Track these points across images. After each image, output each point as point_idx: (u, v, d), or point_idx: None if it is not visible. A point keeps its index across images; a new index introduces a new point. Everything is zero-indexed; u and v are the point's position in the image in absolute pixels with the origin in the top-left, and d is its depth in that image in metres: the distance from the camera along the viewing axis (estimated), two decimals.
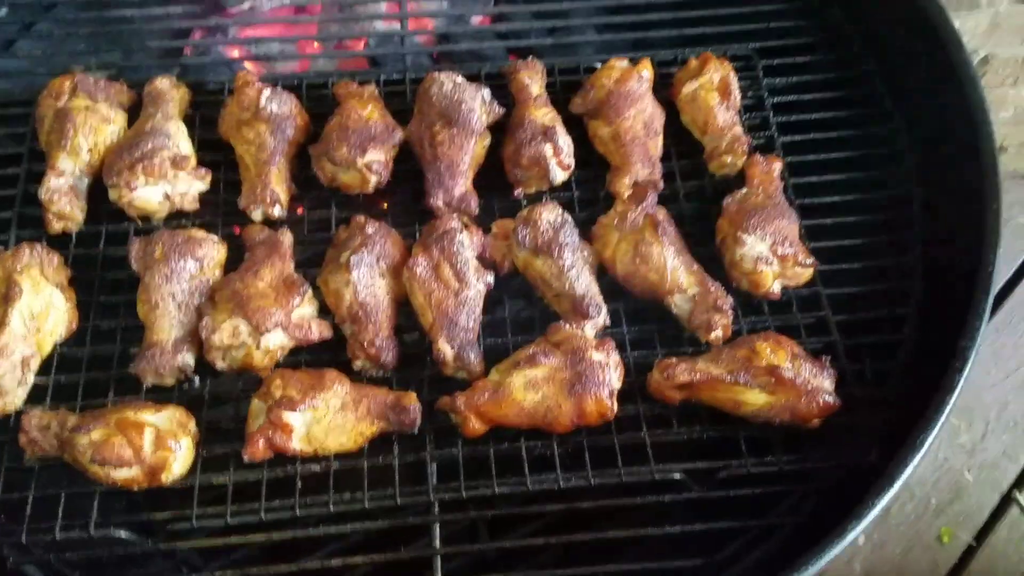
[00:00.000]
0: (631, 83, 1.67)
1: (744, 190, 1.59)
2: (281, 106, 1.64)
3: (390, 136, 1.64)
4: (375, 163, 1.60)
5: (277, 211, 1.60)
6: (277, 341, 1.44)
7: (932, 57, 1.71)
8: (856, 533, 1.25)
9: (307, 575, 1.39)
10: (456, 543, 1.46)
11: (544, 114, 1.66)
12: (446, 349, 1.44)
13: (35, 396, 1.45)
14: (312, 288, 1.50)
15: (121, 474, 1.33)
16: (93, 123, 1.63)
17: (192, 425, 1.40)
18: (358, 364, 1.47)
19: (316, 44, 2.03)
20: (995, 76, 2.92)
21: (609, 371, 1.38)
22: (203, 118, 1.74)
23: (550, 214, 1.52)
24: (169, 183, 1.59)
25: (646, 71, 1.71)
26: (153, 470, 1.34)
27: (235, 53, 1.96)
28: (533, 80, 1.72)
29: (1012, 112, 3.11)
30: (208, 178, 1.63)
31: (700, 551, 1.42)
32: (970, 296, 1.43)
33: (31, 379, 1.44)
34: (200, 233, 1.54)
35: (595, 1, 2.00)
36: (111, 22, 1.91)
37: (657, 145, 1.68)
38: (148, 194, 1.58)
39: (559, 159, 1.62)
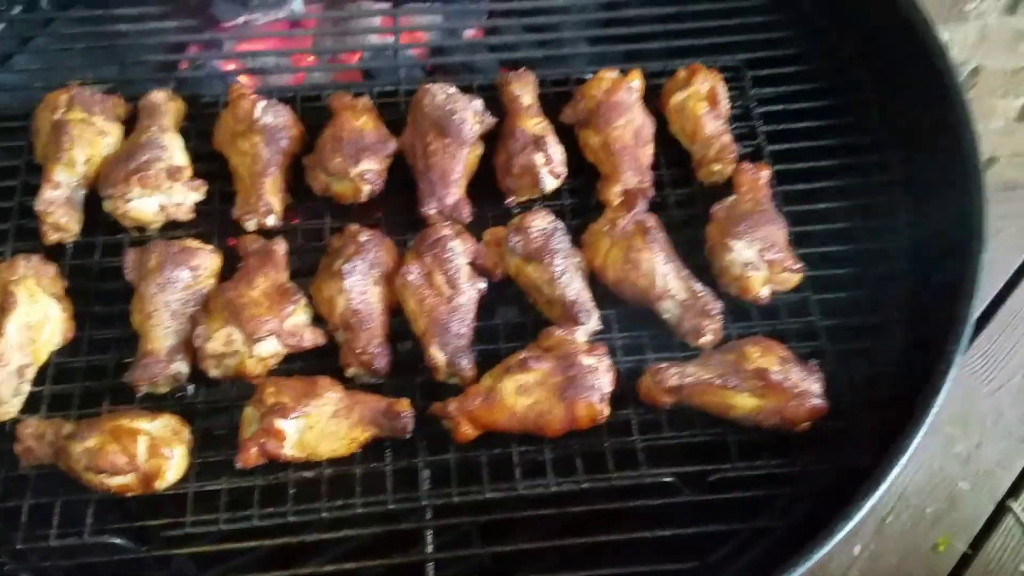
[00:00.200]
0: (621, 93, 1.69)
1: (733, 197, 1.61)
2: (275, 117, 1.66)
3: (383, 146, 1.66)
4: (368, 173, 1.62)
5: (271, 221, 1.62)
6: (270, 349, 1.45)
7: (918, 67, 1.73)
8: (844, 533, 1.26)
9: None
10: (449, 549, 1.47)
11: (535, 124, 1.68)
12: (438, 355, 1.45)
13: (31, 405, 1.46)
14: (306, 296, 1.51)
15: (115, 481, 1.34)
16: (89, 135, 1.64)
17: (186, 433, 1.41)
18: (351, 371, 1.48)
19: (311, 57, 2.05)
20: (985, 87, 2.95)
21: (600, 375, 1.40)
22: (198, 131, 1.76)
23: (541, 221, 1.54)
24: (164, 194, 1.60)
25: (636, 81, 1.74)
26: (147, 477, 1.35)
27: (230, 67, 1.98)
28: (524, 91, 1.74)
29: (1003, 123, 3.14)
30: (203, 189, 1.64)
31: (692, 554, 1.43)
32: (956, 300, 1.44)
33: (27, 388, 1.45)
34: (194, 243, 1.55)
35: (586, 14, 2.03)
36: (107, 37, 1.92)
37: (647, 154, 1.70)
38: (143, 205, 1.59)
39: (550, 168, 1.64)
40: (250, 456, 1.36)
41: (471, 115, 1.66)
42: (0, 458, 1.42)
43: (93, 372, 1.51)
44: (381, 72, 1.96)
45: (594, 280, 1.56)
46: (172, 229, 1.65)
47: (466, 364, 1.45)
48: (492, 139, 1.71)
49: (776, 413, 1.41)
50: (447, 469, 1.43)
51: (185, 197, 1.63)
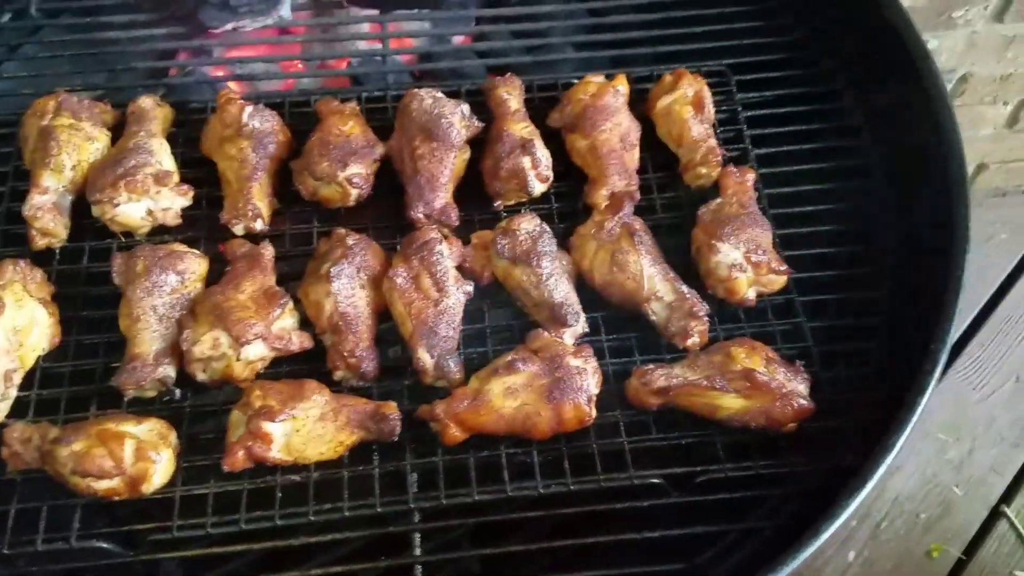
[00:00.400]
0: (607, 97, 1.70)
1: (718, 200, 1.62)
2: (263, 122, 1.67)
3: (371, 150, 1.66)
4: (356, 177, 1.63)
5: (259, 225, 1.62)
6: (257, 352, 1.45)
7: (900, 70, 1.75)
8: (831, 532, 1.26)
9: None
10: (438, 552, 1.47)
11: (522, 128, 1.69)
12: (426, 358, 1.45)
13: (18, 410, 1.46)
14: (293, 300, 1.51)
15: (102, 485, 1.33)
16: (77, 141, 1.65)
17: (173, 437, 1.41)
18: (339, 375, 1.48)
19: (299, 64, 2.06)
20: (974, 95, 2.97)
21: (587, 376, 1.40)
22: (186, 137, 1.77)
23: (528, 224, 1.54)
24: (152, 199, 1.60)
25: (622, 86, 1.75)
26: (134, 481, 1.34)
27: (219, 73, 1.99)
28: (511, 95, 1.75)
29: (992, 130, 3.16)
30: (191, 194, 1.65)
31: (680, 555, 1.43)
32: (941, 299, 1.45)
33: (13, 393, 1.45)
34: (182, 247, 1.55)
35: (573, 20, 2.04)
36: (96, 44, 1.93)
37: (633, 158, 1.71)
38: (131, 210, 1.60)
39: (537, 171, 1.65)
40: (237, 459, 1.36)
41: (458, 119, 1.67)
42: None
43: (80, 377, 1.51)
44: (369, 78, 1.97)
45: (581, 283, 1.57)
46: (160, 234, 1.65)
47: (453, 367, 1.46)
48: (479, 144, 1.72)
49: (763, 414, 1.41)
50: (435, 472, 1.43)
51: (173, 202, 1.63)
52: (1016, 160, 3.31)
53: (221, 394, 1.49)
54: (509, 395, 1.39)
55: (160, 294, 1.49)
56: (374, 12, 2.01)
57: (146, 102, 1.73)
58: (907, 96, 1.73)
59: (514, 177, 1.64)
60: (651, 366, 1.45)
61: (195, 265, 1.54)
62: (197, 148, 1.73)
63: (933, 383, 1.38)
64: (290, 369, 1.51)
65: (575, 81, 1.79)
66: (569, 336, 1.48)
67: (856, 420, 1.47)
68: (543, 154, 1.67)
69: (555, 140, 1.74)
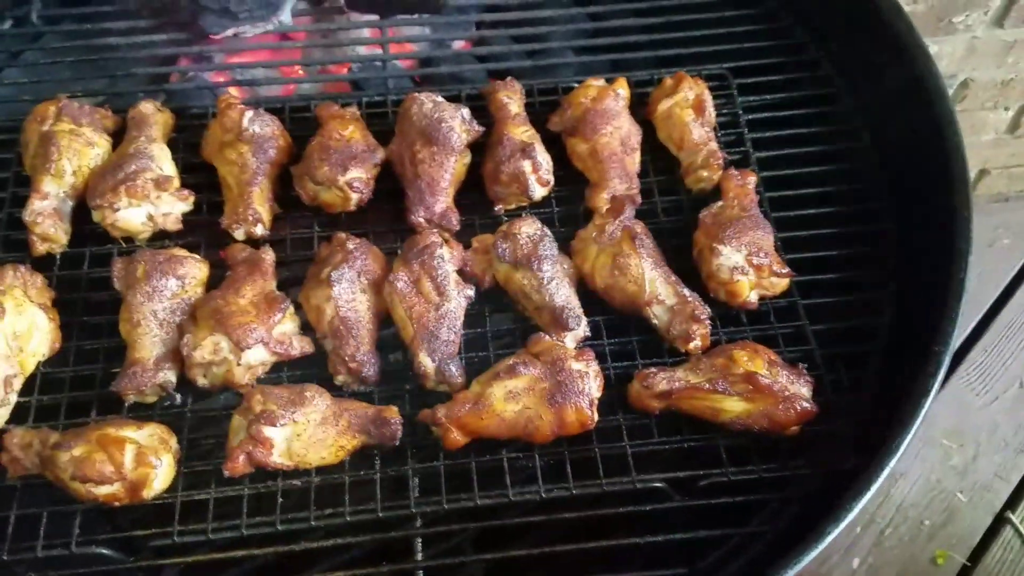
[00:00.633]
0: (607, 101, 1.70)
1: (720, 203, 1.62)
2: (263, 127, 1.67)
3: (371, 155, 1.66)
4: (356, 181, 1.62)
5: (259, 230, 1.62)
6: (258, 357, 1.44)
7: (899, 73, 1.75)
8: (834, 536, 1.26)
9: None
10: (440, 557, 1.46)
11: (523, 132, 1.69)
12: (427, 362, 1.45)
13: (18, 416, 1.45)
14: (294, 305, 1.51)
15: (102, 491, 1.33)
16: (77, 146, 1.65)
17: (173, 442, 1.40)
18: (340, 379, 1.47)
19: (300, 70, 2.06)
20: (975, 100, 2.97)
21: (589, 380, 1.39)
22: (187, 143, 1.77)
23: (529, 228, 1.54)
24: (152, 204, 1.60)
25: (622, 89, 1.75)
26: (134, 486, 1.34)
27: (219, 79, 1.99)
28: (512, 99, 1.75)
29: (993, 135, 3.16)
30: (191, 199, 1.65)
31: (682, 560, 1.42)
32: (944, 301, 1.45)
33: (13, 399, 1.45)
34: (182, 252, 1.56)
35: (573, 24, 2.05)
36: (97, 51, 1.94)
37: (634, 161, 1.71)
38: (131, 215, 1.60)
39: (538, 175, 1.64)
40: (238, 464, 1.35)
41: (459, 124, 1.67)
42: None
43: (81, 382, 1.51)
44: (370, 83, 1.97)
45: (582, 287, 1.57)
46: (160, 239, 1.65)
47: (455, 371, 1.45)
48: (480, 148, 1.72)
49: (765, 417, 1.41)
50: (437, 477, 1.42)
51: (173, 207, 1.63)
52: (1018, 165, 3.31)
53: (221, 398, 1.49)
54: (511, 399, 1.39)
55: (160, 299, 1.48)
56: (374, 17, 2.02)
57: (146, 107, 1.73)
58: (908, 98, 1.73)
59: (515, 181, 1.64)
60: (653, 369, 1.45)
61: (195, 270, 1.54)
62: (197, 153, 1.73)
63: (936, 385, 1.37)
64: (291, 374, 1.51)
65: (575, 85, 1.79)
66: (570, 340, 1.48)
67: (859, 423, 1.46)
68: (544, 158, 1.66)
69: (556, 144, 1.74)
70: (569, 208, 1.71)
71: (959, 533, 2.69)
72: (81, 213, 1.65)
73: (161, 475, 1.36)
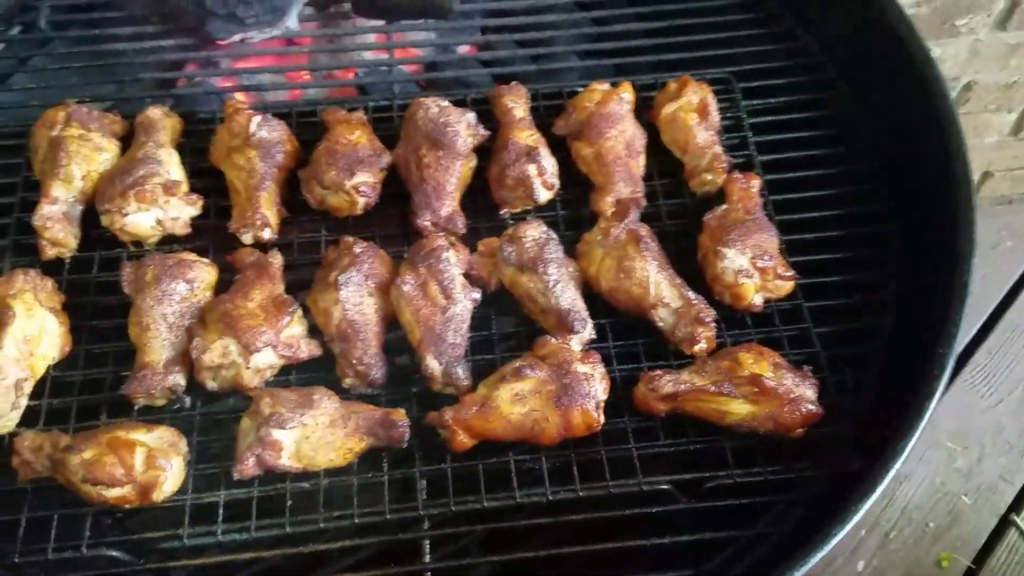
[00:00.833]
0: (612, 104, 1.71)
1: (724, 206, 1.63)
2: (271, 132, 1.68)
3: (377, 159, 1.67)
4: (363, 185, 1.63)
5: (267, 234, 1.63)
6: (266, 360, 1.45)
7: (902, 76, 1.76)
8: (839, 538, 1.26)
9: None
10: (447, 559, 1.47)
11: (528, 136, 1.70)
12: (434, 365, 1.45)
13: (28, 419, 1.46)
14: (302, 308, 1.52)
15: (113, 493, 1.34)
16: (86, 151, 1.66)
17: (183, 444, 1.41)
18: (347, 382, 1.48)
19: (306, 74, 2.07)
20: (978, 102, 2.98)
21: (595, 382, 1.40)
22: (194, 147, 1.78)
23: (535, 231, 1.55)
24: (161, 209, 1.61)
25: (626, 93, 1.76)
26: (144, 489, 1.35)
27: (226, 84, 2.00)
28: (517, 104, 1.76)
29: (997, 138, 3.16)
30: (199, 203, 1.66)
31: (689, 562, 1.43)
32: (947, 303, 1.45)
33: (24, 402, 1.46)
34: (191, 256, 1.57)
35: (577, 29, 2.06)
36: (105, 56, 1.94)
37: (639, 165, 1.72)
38: (140, 220, 1.61)
39: (543, 179, 1.65)
40: (247, 467, 1.36)
41: (464, 128, 1.68)
42: None
43: (90, 385, 1.52)
44: (376, 88, 1.98)
45: (588, 289, 1.57)
46: (169, 244, 1.66)
47: (462, 374, 1.46)
48: (486, 152, 1.73)
49: (770, 419, 1.41)
50: (444, 479, 1.43)
51: (181, 212, 1.64)
52: (1021, 168, 3.32)
53: (229, 401, 1.50)
54: (517, 401, 1.40)
55: (170, 303, 1.49)
56: (380, 22, 2.03)
57: (155, 112, 1.74)
58: (911, 100, 1.74)
59: (520, 185, 1.65)
60: (658, 372, 1.45)
61: (204, 274, 1.55)
62: (205, 158, 1.74)
63: (941, 387, 1.38)
64: (299, 377, 1.52)
65: (580, 89, 1.80)
66: (576, 342, 1.49)
67: (864, 425, 1.47)
68: (549, 162, 1.68)
69: (561, 148, 1.75)
70: (574, 211, 1.72)
71: (964, 535, 2.70)
72: (90, 218, 1.66)
73: (171, 478, 1.37)
